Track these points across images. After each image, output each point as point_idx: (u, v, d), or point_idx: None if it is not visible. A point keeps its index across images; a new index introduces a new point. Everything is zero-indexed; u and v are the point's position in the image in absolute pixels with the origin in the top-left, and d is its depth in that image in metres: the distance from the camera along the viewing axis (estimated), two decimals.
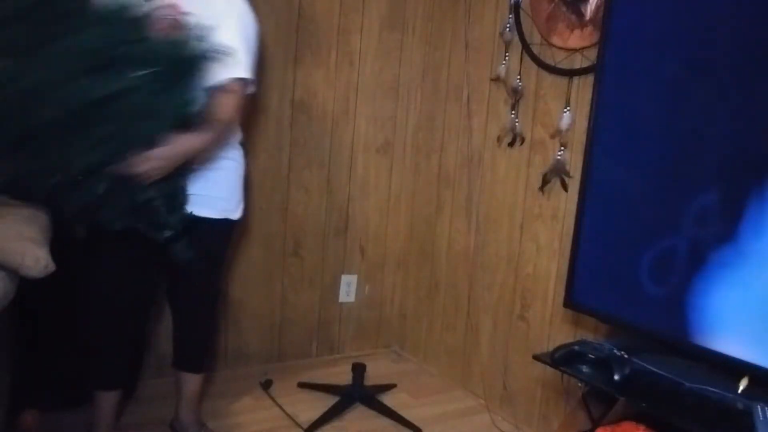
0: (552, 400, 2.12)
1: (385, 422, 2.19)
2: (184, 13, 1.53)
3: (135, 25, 1.42)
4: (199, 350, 1.97)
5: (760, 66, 1.40)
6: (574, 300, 1.82)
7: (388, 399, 2.33)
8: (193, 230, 1.64)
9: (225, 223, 1.79)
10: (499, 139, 2.28)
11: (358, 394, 2.29)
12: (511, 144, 2.23)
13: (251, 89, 1.73)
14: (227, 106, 1.60)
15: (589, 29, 1.92)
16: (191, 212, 1.63)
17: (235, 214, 1.82)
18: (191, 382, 1.94)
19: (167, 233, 1.55)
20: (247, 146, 1.88)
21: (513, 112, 2.21)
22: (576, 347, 1.66)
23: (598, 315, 1.79)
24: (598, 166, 1.75)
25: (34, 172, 1.38)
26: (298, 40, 2.35)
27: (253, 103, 2.27)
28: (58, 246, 1.36)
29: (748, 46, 1.42)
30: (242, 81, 1.63)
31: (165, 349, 2.24)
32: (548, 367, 1.73)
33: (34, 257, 1.23)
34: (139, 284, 1.80)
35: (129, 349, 1.91)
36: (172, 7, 1.54)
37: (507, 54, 2.23)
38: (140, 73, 1.38)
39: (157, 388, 2.17)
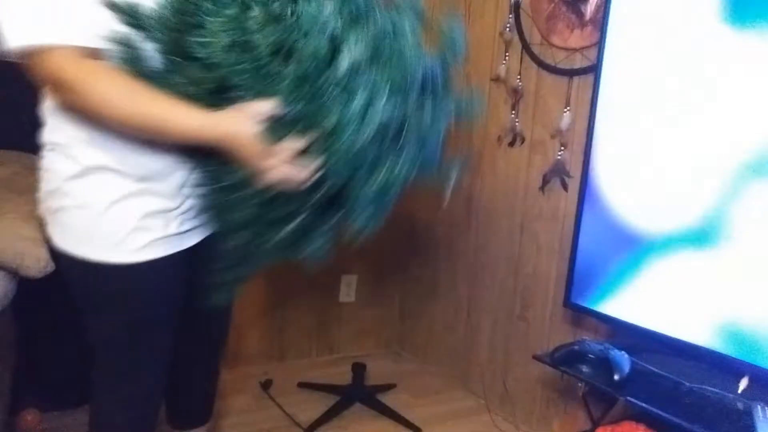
0: (552, 400, 2.12)
1: (385, 422, 2.19)
2: None
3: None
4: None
5: (758, 66, 1.41)
6: (574, 300, 1.82)
7: (388, 399, 2.33)
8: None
9: None
10: (499, 139, 2.28)
11: (358, 394, 2.29)
12: (511, 144, 2.23)
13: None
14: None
15: (589, 29, 1.92)
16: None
17: None
18: None
19: None
20: None
21: (513, 112, 2.21)
22: (576, 347, 1.66)
23: (598, 315, 1.78)
24: (597, 166, 1.75)
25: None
26: None
27: None
28: None
29: (747, 46, 1.43)
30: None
31: None
32: (548, 367, 1.73)
33: (34, 257, 1.23)
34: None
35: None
36: None
37: (507, 54, 2.23)
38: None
39: None
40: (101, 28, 0.99)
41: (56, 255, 1.18)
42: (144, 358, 1.25)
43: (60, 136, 1.11)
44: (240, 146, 1.03)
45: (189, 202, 1.19)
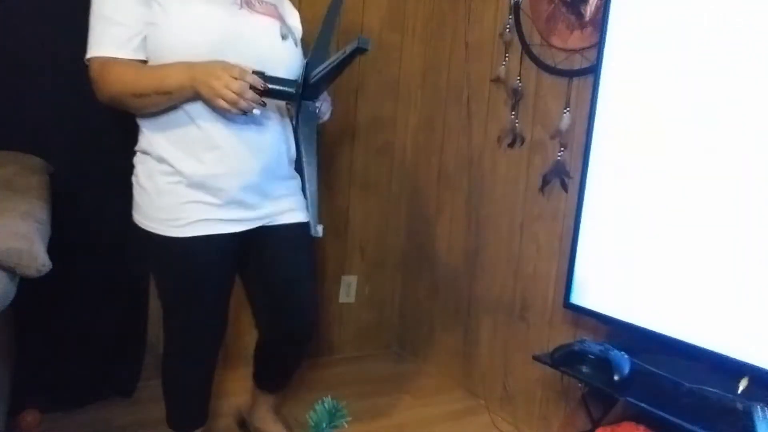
0: (552, 400, 2.12)
1: None
2: None
3: None
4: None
5: (757, 67, 1.41)
6: (573, 300, 1.82)
7: (388, 401, 2.33)
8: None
9: None
10: (499, 140, 2.28)
11: None
12: (511, 145, 2.23)
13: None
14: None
15: (588, 30, 1.92)
16: None
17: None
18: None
19: None
20: None
21: (513, 112, 2.21)
22: (576, 347, 1.66)
23: (597, 315, 1.79)
24: (597, 167, 1.75)
25: None
26: None
27: None
28: (56, 244, 1.36)
29: (746, 47, 1.43)
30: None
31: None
32: (548, 367, 1.73)
33: (32, 256, 1.22)
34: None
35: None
36: None
37: (507, 54, 2.23)
38: None
39: (157, 388, 2.16)
40: (123, 43, 1.42)
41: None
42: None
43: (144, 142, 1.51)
44: (202, 80, 1.36)
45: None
